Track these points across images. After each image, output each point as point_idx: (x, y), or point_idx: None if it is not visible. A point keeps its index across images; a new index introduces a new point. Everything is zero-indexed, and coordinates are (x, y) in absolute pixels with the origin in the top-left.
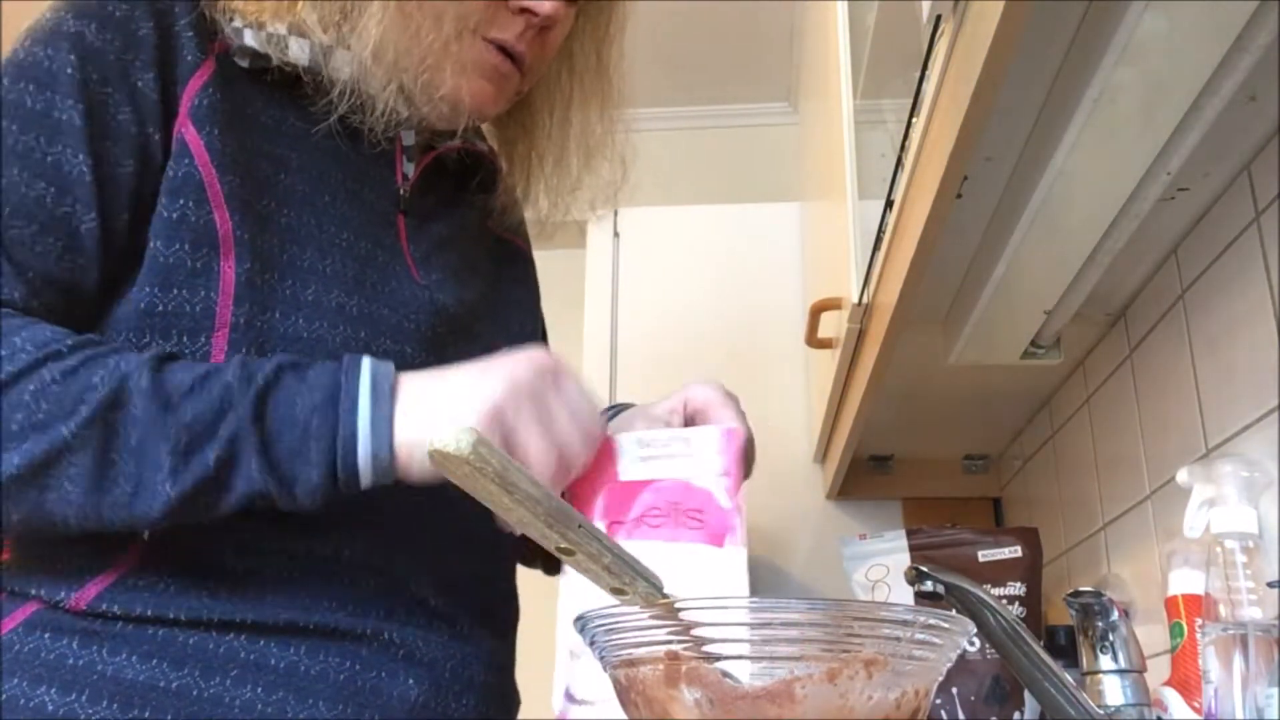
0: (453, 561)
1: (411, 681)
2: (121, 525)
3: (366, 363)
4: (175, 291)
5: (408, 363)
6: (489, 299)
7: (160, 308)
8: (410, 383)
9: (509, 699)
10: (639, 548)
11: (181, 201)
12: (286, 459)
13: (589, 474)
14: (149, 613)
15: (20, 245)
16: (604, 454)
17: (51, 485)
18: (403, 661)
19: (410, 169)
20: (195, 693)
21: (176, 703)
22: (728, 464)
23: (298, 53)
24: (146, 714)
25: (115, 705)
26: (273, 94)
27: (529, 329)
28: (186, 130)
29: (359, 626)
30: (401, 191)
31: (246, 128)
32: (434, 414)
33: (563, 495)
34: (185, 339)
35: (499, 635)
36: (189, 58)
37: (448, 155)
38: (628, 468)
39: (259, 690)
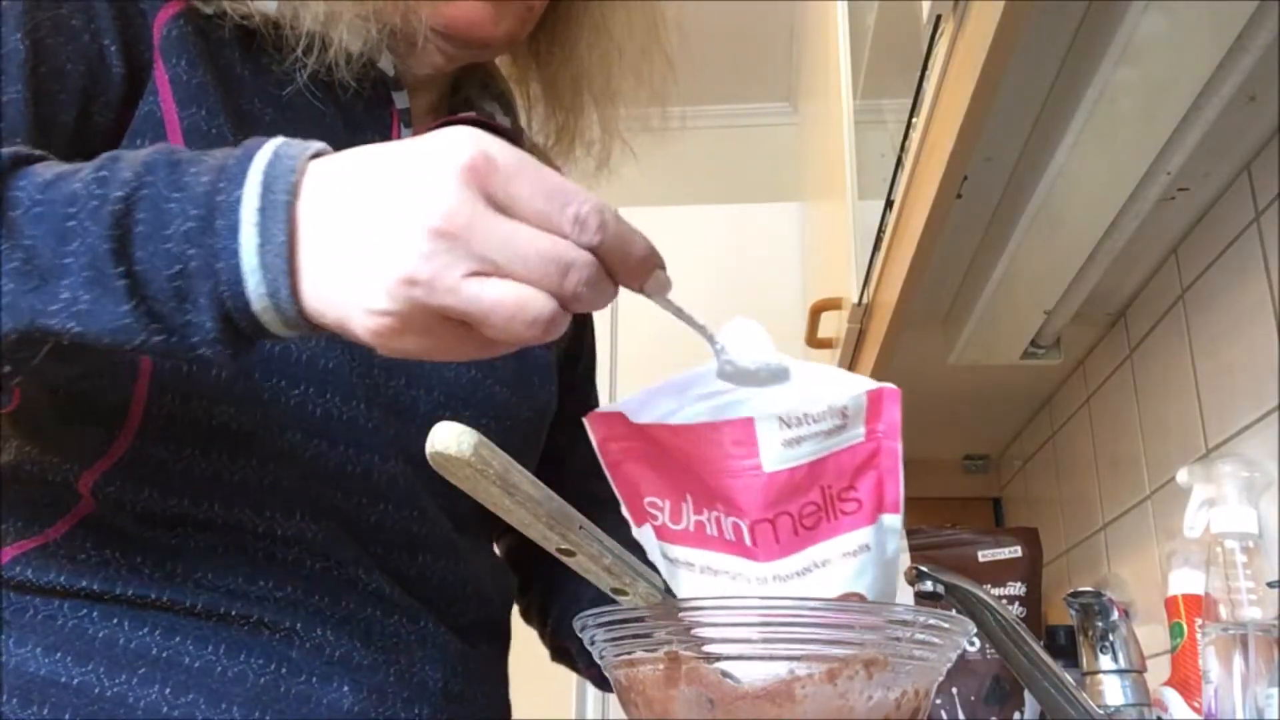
0: (418, 555)
1: (346, 689)
2: None
3: (261, 158)
4: None
5: (367, 351)
6: None
7: None
8: (316, 191)
9: (488, 712)
10: (797, 561)
11: (139, 142)
12: (166, 304)
13: (724, 460)
14: (61, 581)
15: None
16: (743, 437)
17: None
18: (337, 665)
19: (409, 136)
20: (97, 690)
21: (76, 700)
22: (888, 424)
23: (263, 4)
24: (45, 712)
25: (15, 700)
26: (249, 49)
27: None
28: (157, 66)
29: (287, 621)
30: None
31: (219, 74)
32: (342, 280)
33: (694, 481)
34: None
35: (474, 643)
36: None
37: (456, 125)
38: (771, 454)
39: (167, 691)
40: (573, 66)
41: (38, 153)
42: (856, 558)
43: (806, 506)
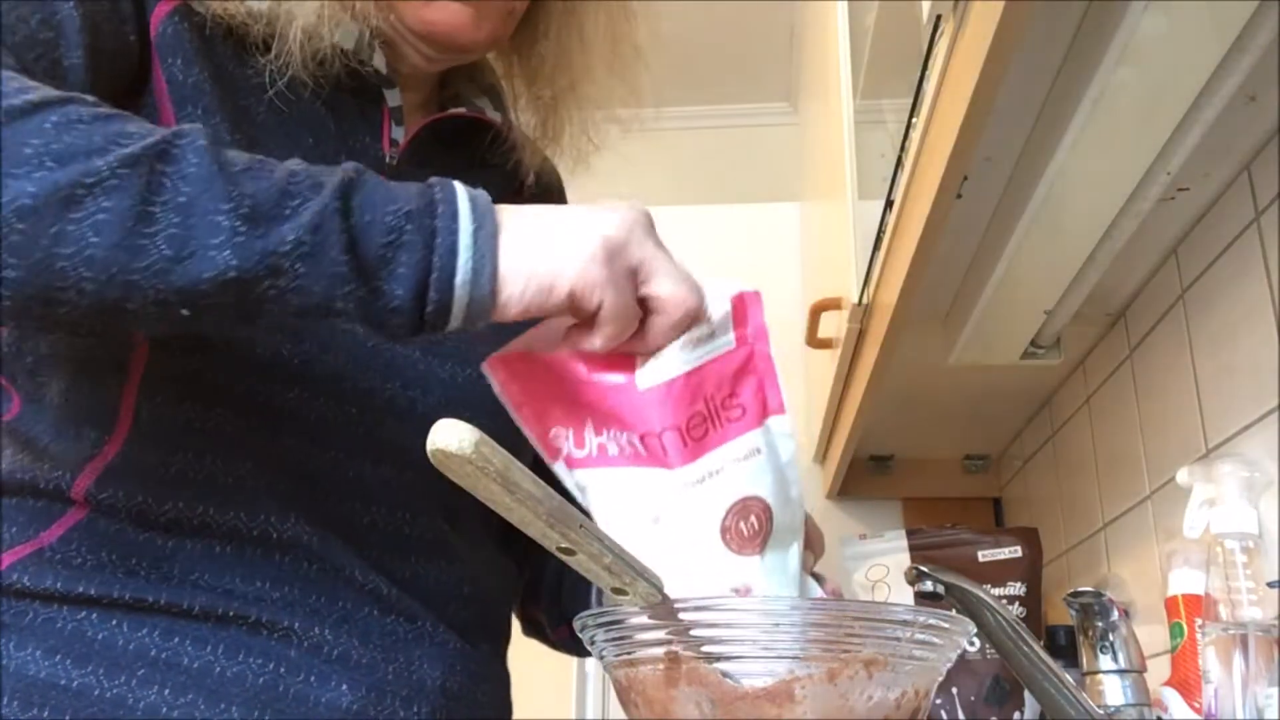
0: (410, 558)
1: (345, 687)
2: (154, 297)
3: (457, 183)
4: None
5: (365, 345)
6: None
7: None
8: (509, 210)
9: (487, 711)
10: (693, 471)
11: None
12: (369, 265)
13: (602, 382)
14: (59, 586)
15: (12, 49)
16: (615, 357)
17: (69, 232)
18: (336, 664)
19: (400, 135)
20: (96, 693)
21: (75, 703)
22: (755, 327)
23: (256, 4)
24: (45, 714)
25: (15, 703)
26: (241, 48)
27: None
28: (154, 65)
29: (285, 620)
30: (389, 160)
31: (213, 72)
32: (547, 243)
33: (587, 406)
34: None
35: (474, 641)
36: None
37: (448, 121)
38: (644, 372)
39: (166, 692)
40: (548, 63)
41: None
42: (748, 461)
43: (693, 419)
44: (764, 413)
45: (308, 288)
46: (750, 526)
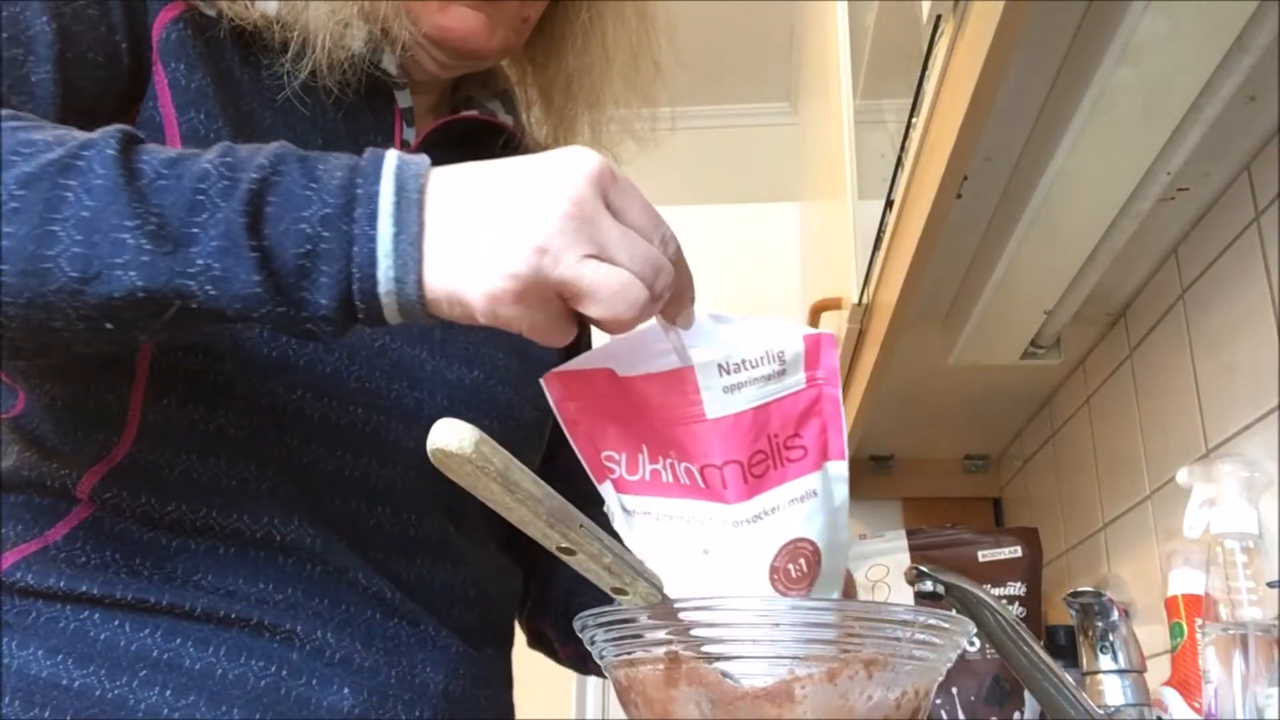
0: (415, 560)
1: (346, 691)
2: (75, 315)
3: (390, 161)
4: None
5: (371, 345)
6: None
7: None
8: (442, 191)
9: (490, 714)
10: (749, 508)
11: None
12: (287, 279)
13: (670, 409)
14: (62, 585)
15: None
16: (685, 385)
17: None
18: (338, 667)
19: (412, 136)
20: (98, 693)
21: (77, 703)
22: (827, 371)
23: (264, 4)
24: (47, 714)
25: (17, 703)
26: (249, 52)
27: None
28: (156, 69)
29: (287, 623)
30: None
31: (218, 76)
32: (469, 257)
33: (648, 431)
34: None
35: (477, 645)
36: None
37: (460, 123)
38: (713, 401)
39: (167, 693)
40: (564, 73)
41: (140, 133)
42: (804, 504)
43: (755, 455)
44: (824, 456)
45: (222, 309)
46: (799, 568)
